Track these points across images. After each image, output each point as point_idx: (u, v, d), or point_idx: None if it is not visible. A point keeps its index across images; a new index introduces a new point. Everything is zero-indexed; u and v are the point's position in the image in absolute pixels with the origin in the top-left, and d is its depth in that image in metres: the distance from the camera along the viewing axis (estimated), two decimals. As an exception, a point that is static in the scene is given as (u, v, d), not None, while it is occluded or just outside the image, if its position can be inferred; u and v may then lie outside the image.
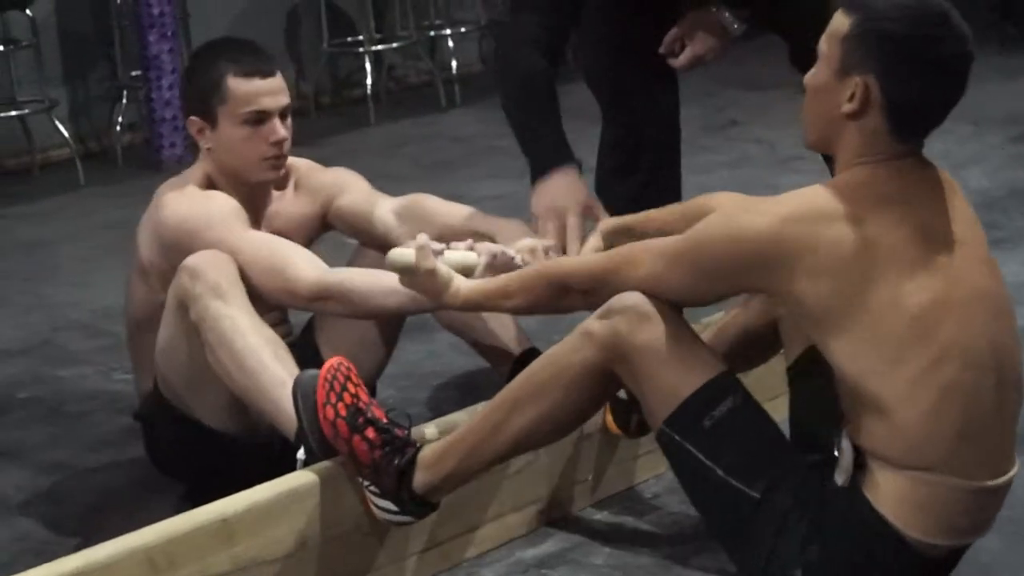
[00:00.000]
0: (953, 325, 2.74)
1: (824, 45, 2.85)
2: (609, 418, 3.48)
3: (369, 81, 8.87)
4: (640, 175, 4.00)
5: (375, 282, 3.32)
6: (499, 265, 3.21)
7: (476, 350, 3.90)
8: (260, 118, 3.53)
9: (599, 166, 4.12)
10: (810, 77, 2.89)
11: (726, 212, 2.92)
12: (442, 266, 3.10)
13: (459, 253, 3.20)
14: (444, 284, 3.09)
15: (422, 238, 3.10)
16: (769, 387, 3.57)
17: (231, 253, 3.39)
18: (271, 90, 3.55)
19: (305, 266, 3.39)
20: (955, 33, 2.79)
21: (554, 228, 3.46)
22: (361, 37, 9.17)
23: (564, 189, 3.53)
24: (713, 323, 3.39)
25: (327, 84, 9.33)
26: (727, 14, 3.92)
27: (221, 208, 3.51)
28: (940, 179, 2.87)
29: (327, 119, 8.66)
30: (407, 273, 3.11)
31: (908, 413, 2.74)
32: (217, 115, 3.54)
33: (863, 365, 2.76)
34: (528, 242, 3.33)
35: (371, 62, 8.95)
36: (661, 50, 3.96)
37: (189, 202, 3.53)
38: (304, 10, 9.25)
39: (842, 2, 2.85)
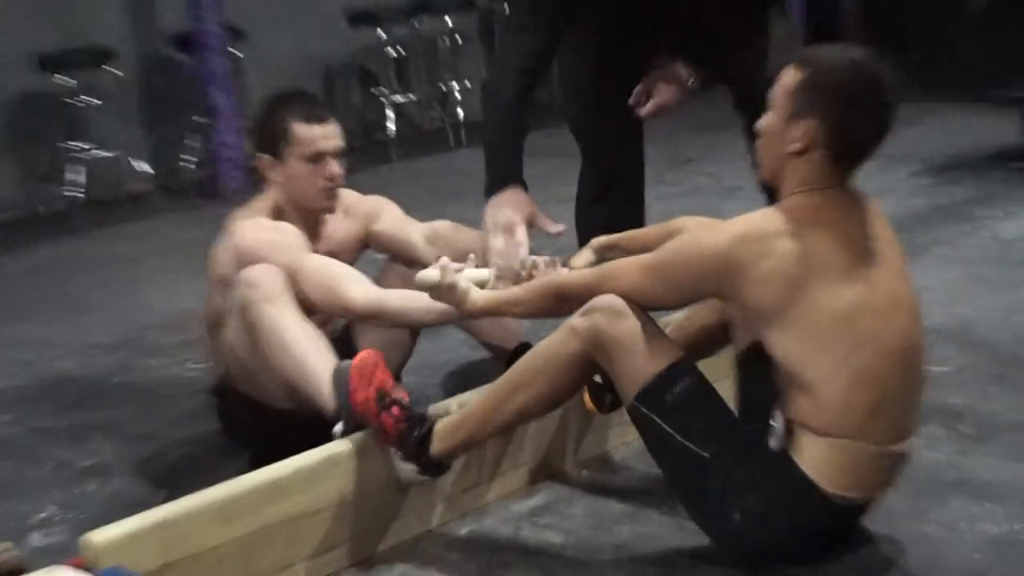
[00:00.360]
0: (870, 322, 2.77)
1: (776, 95, 2.86)
2: (587, 398, 3.49)
3: (392, 127, 8.88)
4: (611, 204, 4.01)
5: (411, 301, 3.33)
6: (505, 275, 3.25)
7: (480, 342, 3.91)
8: (319, 158, 3.55)
9: (578, 195, 4.13)
10: (762, 123, 2.90)
11: (691, 233, 2.95)
12: (461, 281, 3.13)
13: (473, 270, 3.22)
14: (463, 295, 3.12)
15: (444, 260, 3.14)
16: (718, 371, 3.63)
17: (294, 274, 3.38)
18: (328, 135, 3.56)
19: (357, 287, 3.38)
20: (888, 81, 2.82)
21: (504, 239, 3.45)
22: (385, 91, 9.18)
23: (512, 203, 3.51)
24: (674, 322, 3.42)
25: (358, 129, 9.32)
26: (684, 70, 3.93)
27: (287, 236, 3.51)
28: (866, 205, 2.90)
29: (357, 158, 8.61)
30: (434, 289, 3.15)
31: (829, 391, 2.77)
32: (284, 154, 3.56)
33: (796, 353, 2.78)
34: (531, 259, 3.34)
35: (393, 111, 8.96)
36: (630, 102, 3.96)
37: (262, 231, 3.51)
38: (338, 69, 9.25)
39: (792, 58, 2.88)
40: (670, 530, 3.14)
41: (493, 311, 3.18)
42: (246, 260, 3.45)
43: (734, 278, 2.80)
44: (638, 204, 4.11)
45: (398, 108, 9.14)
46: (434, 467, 3.11)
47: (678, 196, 6.68)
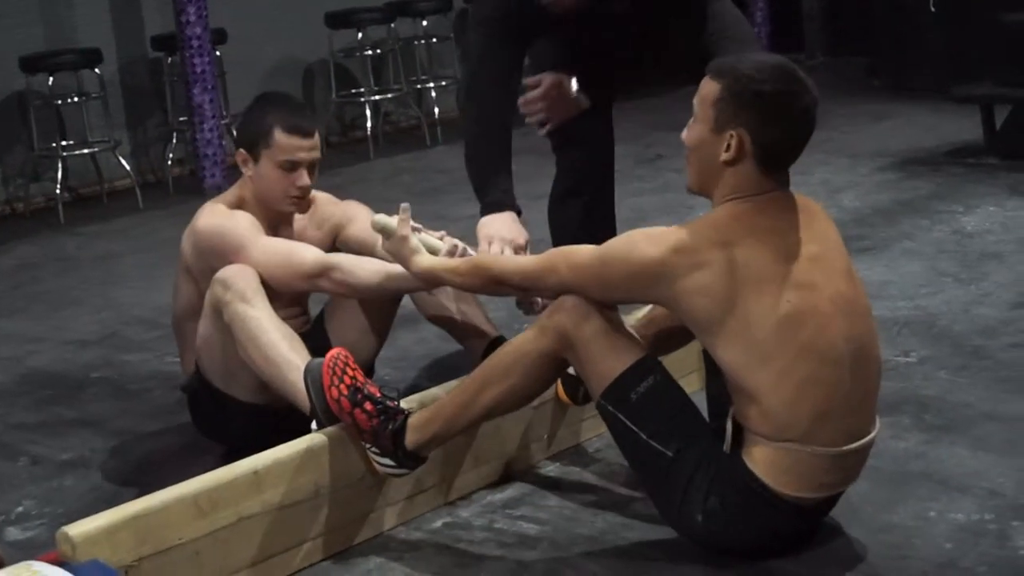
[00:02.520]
0: (811, 330, 2.72)
1: (697, 107, 2.82)
2: (560, 390, 3.46)
3: (369, 124, 8.84)
4: (582, 199, 3.97)
5: (362, 264, 3.37)
6: (456, 256, 3.21)
7: (454, 337, 3.87)
8: (293, 167, 3.54)
9: (552, 192, 4.09)
10: (687, 136, 2.85)
11: (628, 238, 2.87)
12: (414, 238, 3.11)
13: (429, 237, 3.21)
14: (412, 252, 3.11)
15: (406, 208, 3.14)
16: (686, 365, 3.60)
17: (249, 253, 3.40)
18: (307, 147, 3.54)
19: (305, 251, 3.43)
20: (806, 86, 2.77)
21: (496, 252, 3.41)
22: (362, 90, 9.16)
23: (507, 227, 3.46)
24: (644, 315, 3.38)
25: (336, 127, 9.29)
26: (573, 86, 3.82)
27: (241, 221, 3.51)
28: (801, 207, 2.84)
29: (336, 155, 8.61)
30: (387, 235, 3.15)
31: (774, 400, 2.73)
32: (261, 155, 3.54)
33: (738, 362, 2.75)
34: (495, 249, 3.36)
35: (370, 109, 8.92)
36: (521, 109, 3.85)
37: (218, 217, 3.53)
38: (317, 69, 9.21)
39: (709, 69, 2.83)
40: (645, 521, 3.11)
41: (434, 275, 3.13)
42: (203, 243, 3.51)
43: (666, 289, 2.77)
44: (608, 200, 4.07)
45: (375, 106, 9.10)
46: (410, 459, 3.06)
47: (648, 192, 6.66)
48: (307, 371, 3.14)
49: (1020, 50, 7.04)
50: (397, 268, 3.25)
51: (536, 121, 3.89)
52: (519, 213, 3.54)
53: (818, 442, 2.74)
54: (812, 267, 2.77)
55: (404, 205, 3.15)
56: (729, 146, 2.77)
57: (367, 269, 3.35)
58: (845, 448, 2.78)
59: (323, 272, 3.38)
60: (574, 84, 3.83)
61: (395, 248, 3.14)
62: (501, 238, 3.41)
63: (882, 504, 3.12)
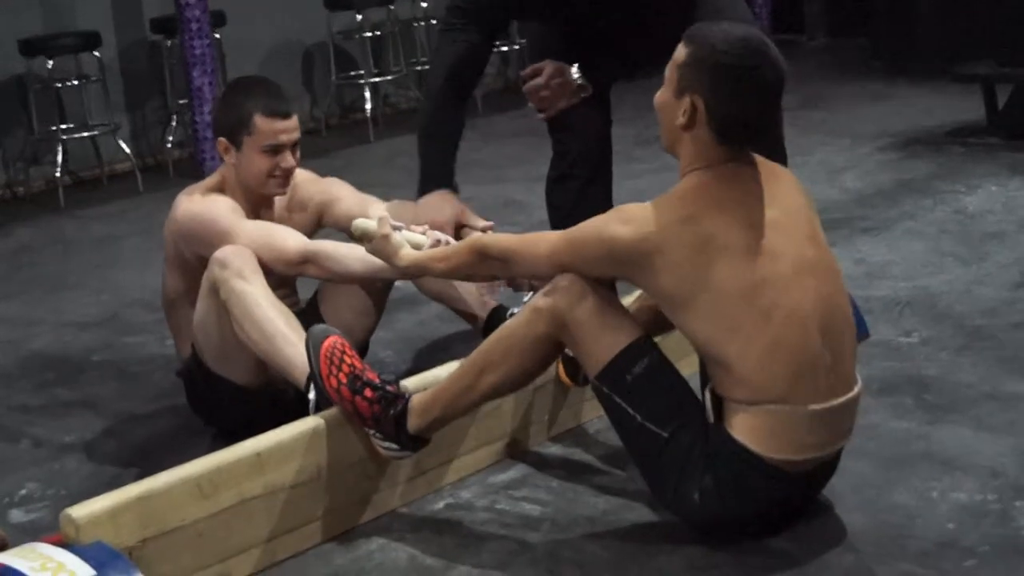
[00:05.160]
0: (776, 293, 2.74)
1: (667, 70, 2.85)
2: (561, 371, 3.46)
3: (369, 107, 8.82)
4: (578, 181, 3.96)
5: (346, 251, 3.34)
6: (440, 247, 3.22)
7: (454, 311, 3.89)
8: (276, 150, 3.54)
9: (549, 174, 4.09)
10: (657, 96, 2.89)
11: (603, 217, 2.88)
12: (395, 235, 3.11)
13: (411, 233, 3.21)
14: (395, 249, 3.10)
15: (383, 211, 3.17)
16: (683, 346, 3.58)
17: (233, 239, 3.40)
18: (288, 129, 3.55)
19: (289, 236, 3.42)
20: (771, 62, 2.77)
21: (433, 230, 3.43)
22: (362, 72, 9.14)
23: (442, 206, 3.54)
24: (639, 295, 3.38)
25: (335, 109, 9.28)
26: (575, 75, 3.85)
27: (221, 206, 3.52)
28: (766, 175, 2.85)
29: (336, 138, 8.61)
30: (367, 238, 3.15)
31: (745, 366, 2.75)
32: (242, 142, 3.54)
33: (708, 334, 2.77)
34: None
35: (370, 92, 8.90)
36: (524, 88, 3.92)
37: (197, 204, 3.54)
38: (316, 51, 9.19)
39: (686, 33, 2.84)
40: (646, 501, 3.11)
41: (419, 267, 3.13)
42: (188, 230, 3.52)
43: (636, 267, 2.79)
44: (606, 183, 4.07)
45: (375, 88, 9.08)
46: (414, 442, 3.06)
47: (647, 173, 6.64)
48: (310, 335, 3.13)
49: (1022, 29, 7.02)
50: None
51: (539, 108, 3.89)
52: (455, 190, 3.62)
53: (795, 401, 2.75)
54: (775, 234, 2.78)
55: (381, 211, 3.19)
56: (685, 111, 2.79)
57: (350, 256, 3.32)
58: (824, 405, 2.78)
59: (305, 260, 3.38)
60: (575, 71, 3.83)
61: (378, 248, 3.13)
62: (431, 220, 3.43)
63: (883, 484, 3.12)
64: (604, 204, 3.93)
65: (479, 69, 3.78)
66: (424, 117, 3.80)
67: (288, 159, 3.56)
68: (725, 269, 2.73)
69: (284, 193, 3.67)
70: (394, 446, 3.06)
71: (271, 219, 3.66)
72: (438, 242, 3.20)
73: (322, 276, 3.50)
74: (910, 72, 9.00)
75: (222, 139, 3.58)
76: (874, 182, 6.30)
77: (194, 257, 3.50)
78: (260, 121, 3.52)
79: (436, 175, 3.65)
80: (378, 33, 9.13)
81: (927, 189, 6.05)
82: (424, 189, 3.63)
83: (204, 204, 3.53)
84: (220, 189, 3.62)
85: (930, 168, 6.48)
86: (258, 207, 3.65)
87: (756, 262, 2.74)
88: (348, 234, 3.80)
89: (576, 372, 3.43)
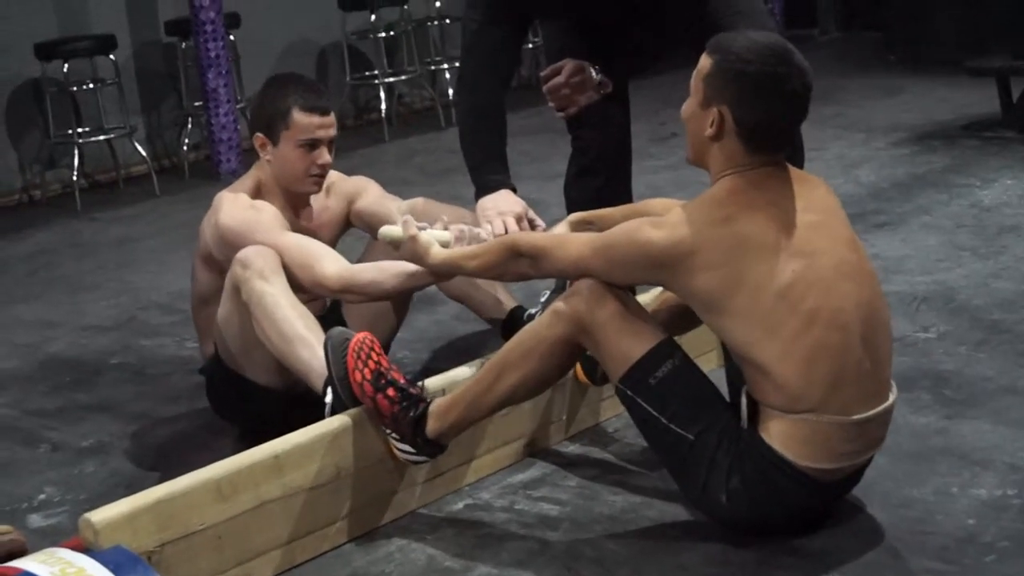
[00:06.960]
0: (816, 296, 2.71)
1: (693, 81, 2.83)
2: (579, 371, 3.45)
3: (383, 107, 8.82)
4: (598, 178, 3.94)
5: (381, 270, 3.33)
6: (466, 238, 3.21)
7: (474, 311, 3.90)
8: (314, 145, 3.55)
9: (568, 171, 4.08)
10: (683, 108, 2.87)
11: (633, 223, 2.86)
12: (423, 235, 3.11)
13: (436, 231, 3.20)
14: (424, 249, 3.10)
15: (407, 215, 3.16)
16: (704, 344, 3.58)
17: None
18: (326, 125, 3.56)
19: (331, 264, 3.38)
20: (796, 69, 2.75)
21: (499, 226, 3.43)
22: (376, 72, 9.14)
23: (507, 201, 3.51)
24: (657, 295, 3.37)
25: (350, 109, 9.27)
26: (596, 74, 3.81)
27: (265, 217, 3.51)
28: (798, 178, 2.84)
29: (351, 137, 8.60)
30: (396, 242, 3.15)
31: (784, 372, 2.71)
32: (280, 137, 3.55)
33: (745, 337, 2.74)
34: (492, 226, 3.38)
35: (384, 92, 8.90)
36: (544, 88, 3.85)
37: (241, 210, 3.52)
38: (331, 52, 9.20)
39: (708, 44, 2.83)
40: (665, 499, 3.10)
41: (451, 265, 3.13)
42: (227, 238, 3.49)
43: (670, 271, 2.77)
44: (625, 179, 4.05)
45: (389, 88, 9.08)
46: (431, 447, 3.06)
47: (662, 169, 6.64)
48: (328, 339, 3.13)
49: (1035, 22, 7.00)
50: (415, 266, 3.23)
51: (559, 107, 3.88)
52: (514, 190, 3.57)
53: (833, 411, 2.73)
54: (813, 235, 2.76)
55: (407, 215, 3.16)
56: (712, 122, 2.77)
57: (385, 274, 3.31)
58: (861, 416, 2.76)
59: (344, 289, 3.37)
60: (594, 68, 3.81)
61: (408, 251, 3.13)
62: (499, 211, 3.44)
63: (903, 480, 3.10)
64: (624, 200, 3.92)
65: (515, 56, 3.72)
66: (468, 117, 3.70)
67: (324, 155, 3.57)
68: (762, 267, 2.70)
69: (319, 191, 3.67)
70: (411, 450, 3.05)
71: (309, 216, 3.69)
72: (462, 231, 3.20)
73: (360, 301, 3.51)
74: (924, 65, 8.99)
75: (259, 134, 3.59)
76: (889, 176, 6.28)
77: (226, 261, 3.49)
78: (298, 116, 3.52)
79: (500, 175, 3.59)
80: (392, 33, 9.13)
81: (942, 183, 6.03)
82: (488, 188, 3.56)
83: (249, 211, 3.52)
84: (259, 189, 3.61)
85: (945, 162, 6.46)
86: (296, 205, 3.67)
87: (795, 263, 2.71)
88: (366, 230, 3.82)
89: (594, 372, 3.41)
